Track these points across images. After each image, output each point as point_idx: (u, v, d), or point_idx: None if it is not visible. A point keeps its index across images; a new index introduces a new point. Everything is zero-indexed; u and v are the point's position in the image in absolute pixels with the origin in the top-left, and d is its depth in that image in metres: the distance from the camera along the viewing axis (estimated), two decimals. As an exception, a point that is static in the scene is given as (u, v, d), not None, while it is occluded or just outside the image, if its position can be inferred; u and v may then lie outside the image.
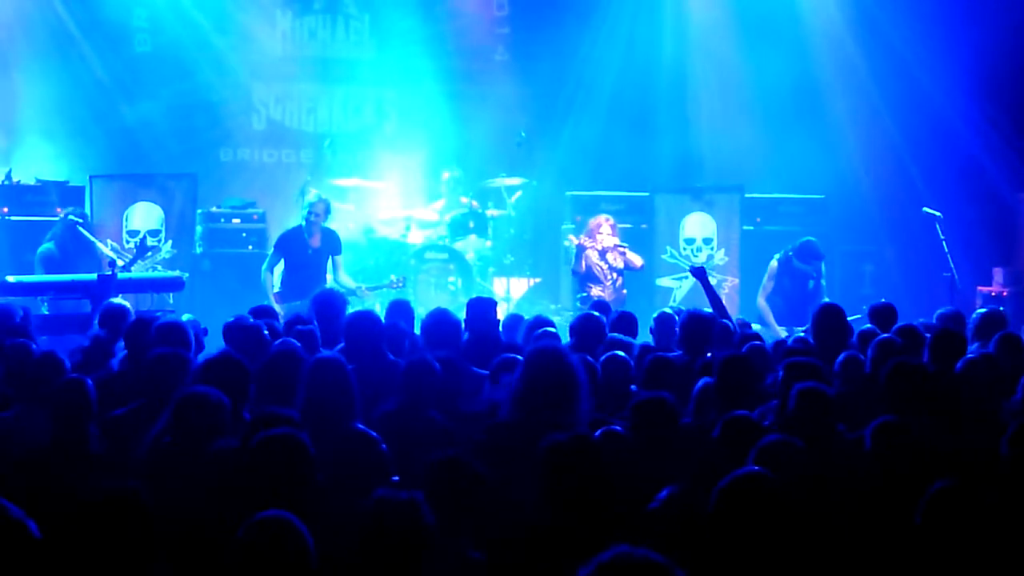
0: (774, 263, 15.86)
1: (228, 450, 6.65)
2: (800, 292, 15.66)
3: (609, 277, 15.68)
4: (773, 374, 8.90)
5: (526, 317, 11.28)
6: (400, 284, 15.40)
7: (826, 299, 15.03)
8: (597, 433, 7.04)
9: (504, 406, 7.61)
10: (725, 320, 10.90)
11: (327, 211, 15.27)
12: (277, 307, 13.35)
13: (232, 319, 10.06)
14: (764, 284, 15.87)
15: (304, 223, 15.19)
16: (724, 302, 12.25)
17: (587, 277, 15.74)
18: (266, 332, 9.56)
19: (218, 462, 6.59)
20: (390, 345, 9.58)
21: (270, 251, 15.54)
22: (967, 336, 10.28)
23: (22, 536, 5.15)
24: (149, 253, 16.76)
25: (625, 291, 15.74)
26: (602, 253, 15.71)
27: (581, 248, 15.77)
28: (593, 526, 5.91)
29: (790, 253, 15.77)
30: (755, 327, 12.42)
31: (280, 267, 15.23)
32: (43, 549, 5.23)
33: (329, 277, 15.09)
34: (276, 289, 15.02)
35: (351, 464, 6.97)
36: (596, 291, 15.44)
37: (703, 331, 10.08)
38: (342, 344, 9.43)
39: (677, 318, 10.88)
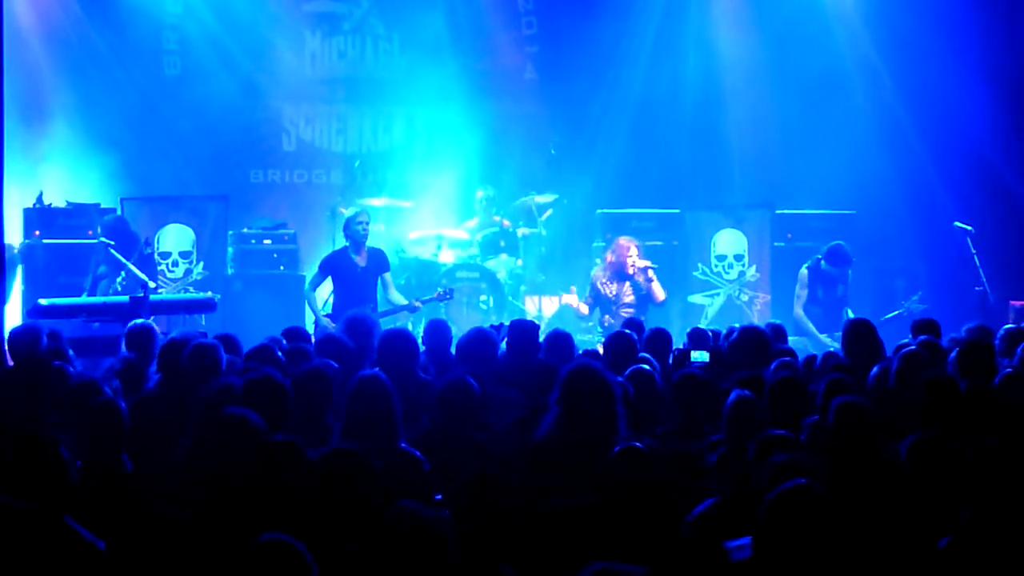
0: (804, 271, 15.82)
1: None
2: (832, 298, 15.64)
3: (615, 304, 15.50)
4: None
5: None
6: (448, 295, 15.48)
7: (849, 311, 15.09)
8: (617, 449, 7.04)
9: (543, 425, 7.63)
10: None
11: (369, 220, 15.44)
12: (331, 325, 13.57)
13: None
14: (798, 293, 15.80)
15: (348, 243, 15.24)
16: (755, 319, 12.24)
17: (596, 303, 15.66)
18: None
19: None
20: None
21: (312, 271, 15.58)
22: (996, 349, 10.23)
23: (94, 554, 5.74)
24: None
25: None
26: (627, 276, 15.56)
27: (594, 279, 15.67)
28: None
29: (819, 257, 15.74)
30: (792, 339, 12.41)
31: (329, 289, 15.28)
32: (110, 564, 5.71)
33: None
34: (327, 311, 15.04)
35: (396, 484, 6.96)
36: (607, 319, 15.30)
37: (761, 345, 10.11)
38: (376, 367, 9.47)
39: (710, 334, 10.93)
